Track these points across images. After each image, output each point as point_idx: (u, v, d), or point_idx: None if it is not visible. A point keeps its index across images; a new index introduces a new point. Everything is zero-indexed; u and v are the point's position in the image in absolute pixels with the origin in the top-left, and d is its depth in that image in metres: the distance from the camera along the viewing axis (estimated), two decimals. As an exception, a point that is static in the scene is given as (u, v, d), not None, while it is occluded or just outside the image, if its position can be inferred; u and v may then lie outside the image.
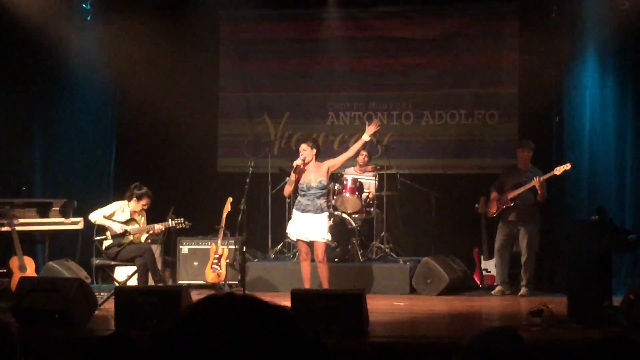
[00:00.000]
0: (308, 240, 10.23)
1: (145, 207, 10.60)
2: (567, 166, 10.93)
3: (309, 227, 10.17)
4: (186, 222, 10.62)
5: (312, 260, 10.35)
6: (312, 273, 10.32)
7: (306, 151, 10.16)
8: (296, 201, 10.42)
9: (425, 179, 13.08)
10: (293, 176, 10.21)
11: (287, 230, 10.62)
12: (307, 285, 10.18)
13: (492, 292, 11.50)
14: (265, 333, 1.35)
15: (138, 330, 7.41)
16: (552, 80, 12.70)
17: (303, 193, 10.25)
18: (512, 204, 11.36)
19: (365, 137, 10.42)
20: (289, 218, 12.14)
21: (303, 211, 10.22)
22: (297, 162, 10.16)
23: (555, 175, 11.04)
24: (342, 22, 13.73)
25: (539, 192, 11.12)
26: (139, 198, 10.50)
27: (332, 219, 11.09)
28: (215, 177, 13.84)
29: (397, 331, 8.58)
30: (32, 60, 12.71)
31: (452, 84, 13.47)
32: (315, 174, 10.20)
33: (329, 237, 10.38)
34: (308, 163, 10.19)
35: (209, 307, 1.39)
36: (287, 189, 10.47)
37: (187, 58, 13.68)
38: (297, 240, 10.36)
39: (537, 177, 11.06)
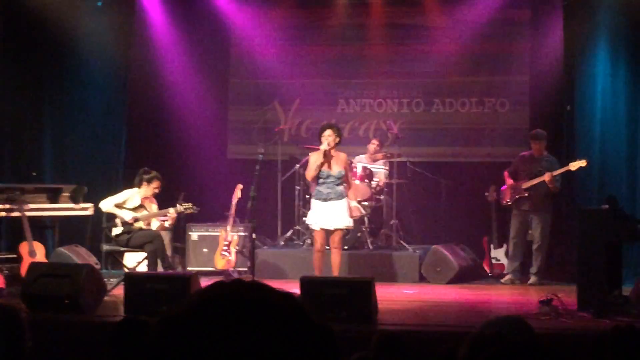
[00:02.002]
0: (332, 228, 10.16)
1: (157, 191, 10.55)
2: (583, 163, 10.83)
3: (332, 214, 10.09)
4: (194, 207, 10.62)
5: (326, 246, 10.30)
6: (324, 263, 10.26)
7: (331, 137, 10.07)
8: (315, 191, 10.30)
9: (435, 167, 13.08)
10: (320, 160, 10.11)
11: (308, 222, 10.52)
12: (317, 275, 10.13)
13: (502, 281, 11.50)
14: (272, 319, 1.34)
15: (147, 317, 7.43)
16: (563, 69, 12.65)
17: (322, 181, 10.15)
18: (526, 194, 11.32)
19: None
20: (299, 205, 12.17)
21: (325, 200, 10.12)
22: (324, 146, 10.05)
23: (570, 170, 10.99)
24: (352, 9, 13.69)
25: (550, 186, 11.08)
26: (149, 182, 10.48)
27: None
28: (225, 164, 13.83)
29: (406, 319, 8.57)
30: (42, 46, 12.73)
31: (463, 71, 13.43)
32: (334, 163, 10.14)
33: (350, 222, 10.33)
34: (331, 149, 10.12)
35: (217, 294, 1.39)
36: (312, 174, 10.26)
37: (197, 44, 13.67)
38: (320, 229, 10.24)
39: (549, 173, 11.01)
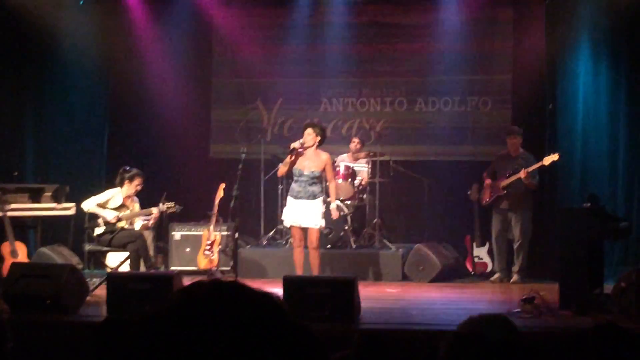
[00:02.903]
0: (302, 226, 10.18)
1: (139, 188, 10.50)
2: (555, 157, 10.89)
3: (302, 213, 10.11)
4: (177, 206, 10.60)
5: (305, 247, 10.31)
6: (304, 260, 10.29)
7: (310, 136, 10.05)
8: (290, 187, 10.37)
9: (418, 166, 13.08)
10: (289, 158, 10.12)
11: (282, 217, 10.56)
12: (299, 272, 10.14)
13: (491, 280, 11.50)
14: (250, 319, 1.34)
15: (130, 317, 7.41)
16: (545, 67, 12.68)
17: (295, 179, 10.19)
18: (504, 192, 11.36)
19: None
20: (282, 204, 12.15)
21: (296, 197, 10.17)
22: (295, 144, 10.06)
23: (544, 165, 11.01)
24: (335, 8, 13.69)
25: (525, 182, 11.11)
26: (131, 180, 10.44)
27: (324, 205, 11.05)
28: (208, 163, 13.81)
29: (389, 318, 8.58)
30: (24, 45, 12.66)
31: (446, 70, 13.45)
32: (311, 162, 10.09)
33: (322, 223, 10.30)
34: (308, 148, 10.10)
35: (195, 294, 1.39)
36: (281, 170, 10.36)
37: (179, 43, 13.64)
38: (291, 226, 10.29)
39: (524, 170, 11.03)
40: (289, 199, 10.29)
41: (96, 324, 4.85)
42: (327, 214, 10.45)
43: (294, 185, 10.22)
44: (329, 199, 10.50)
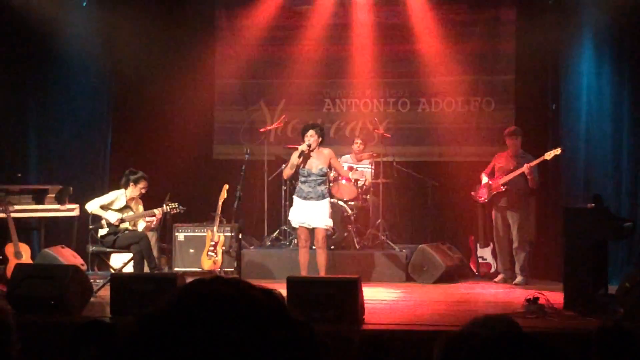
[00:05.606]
0: (310, 227, 10.21)
1: (144, 191, 10.54)
2: (558, 151, 10.88)
3: (311, 213, 10.15)
4: (180, 207, 10.61)
5: (311, 247, 10.33)
6: (310, 261, 10.29)
7: (313, 138, 10.12)
8: (297, 188, 10.38)
9: (421, 167, 13.08)
10: (297, 160, 10.15)
11: (289, 218, 10.57)
12: (303, 273, 10.15)
13: (495, 280, 11.46)
14: (251, 315, 1.34)
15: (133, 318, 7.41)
16: (548, 67, 12.68)
17: (303, 179, 10.22)
18: (503, 189, 11.31)
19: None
20: (285, 205, 12.16)
21: (305, 198, 10.20)
22: (303, 147, 10.10)
23: (546, 160, 10.98)
24: (338, 9, 13.69)
25: (528, 177, 11.07)
26: (136, 182, 10.46)
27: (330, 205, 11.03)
28: (211, 164, 13.82)
29: (393, 319, 8.57)
30: (27, 45, 12.64)
31: (449, 71, 13.43)
32: (317, 161, 10.18)
33: (330, 223, 10.35)
34: (312, 150, 10.15)
35: (196, 291, 1.39)
36: (287, 172, 10.40)
37: (183, 44, 13.66)
38: (299, 226, 10.31)
39: (527, 164, 11.01)
40: (297, 199, 10.32)
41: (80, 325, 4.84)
42: (332, 214, 10.49)
43: (302, 187, 10.25)
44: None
